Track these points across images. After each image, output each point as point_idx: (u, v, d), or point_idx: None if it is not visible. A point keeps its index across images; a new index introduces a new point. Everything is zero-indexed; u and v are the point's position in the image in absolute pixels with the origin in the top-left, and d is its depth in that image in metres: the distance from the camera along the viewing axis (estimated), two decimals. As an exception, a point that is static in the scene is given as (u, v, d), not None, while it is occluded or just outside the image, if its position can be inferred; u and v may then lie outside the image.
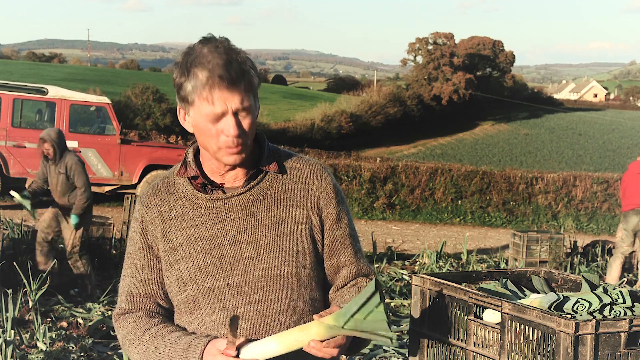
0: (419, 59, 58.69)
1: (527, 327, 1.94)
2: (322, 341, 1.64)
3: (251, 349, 1.65)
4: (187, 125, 1.84)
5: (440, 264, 9.45)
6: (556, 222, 17.00)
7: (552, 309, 2.06)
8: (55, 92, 13.40)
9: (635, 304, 2.11)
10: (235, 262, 1.80)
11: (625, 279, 8.82)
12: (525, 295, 2.30)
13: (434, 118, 51.93)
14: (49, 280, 6.50)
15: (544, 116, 61.69)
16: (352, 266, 1.92)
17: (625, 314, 2.06)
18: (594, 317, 2.05)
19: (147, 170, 13.41)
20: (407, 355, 3.68)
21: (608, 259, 9.39)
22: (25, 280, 6.14)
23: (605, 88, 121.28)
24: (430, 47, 57.96)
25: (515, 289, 2.32)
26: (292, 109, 45.51)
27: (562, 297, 2.12)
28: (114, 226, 8.52)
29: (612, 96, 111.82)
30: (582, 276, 2.30)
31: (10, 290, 5.90)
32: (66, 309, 6.35)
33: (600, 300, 2.09)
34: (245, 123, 1.76)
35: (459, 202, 17.22)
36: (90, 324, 5.88)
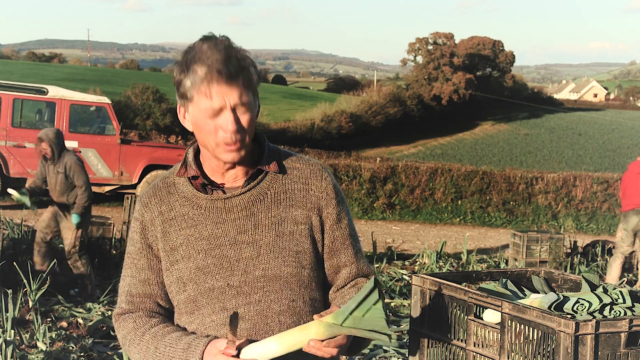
0: (419, 59, 58.70)
1: (527, 327, 1.94)
2: (322, 341, 1.64)
3: (251, 349, 1.65)
4: (187, 123, 1.84)
5: (440, 264, 9.45)
6: (556, 222, 17.00)
7: (552, 309, 2.06)
8: (55, 92, 13.40)
9: (635, 304, 2.11)
10: (236, 262, 1.79)
11: (625, 279, 8.82)
12: (525, 295, 2.30)
13: (434, 118, 51.93)
14: (48, 280, 6.50)
15: (544, 116, 61.69)
16: (352, 266, 1.92)
17: (625, 314, 2.06)
18: (594, 317, 2.05)
19: (147, 170, 13.42)
20: (407, 355, 3.68)
21: (608, 259, 9.39)
22: (25, 280, 6.15)
23: (605, 88, 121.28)
24: (430, 47, 57.96)
25: (515, 289, 2.32)
26: (292, 109, 45.51)
27: (562, 297, 2.12)
28: (114, 226, 8.52)
29: (612, 96, 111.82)
30: (582, 276, 2.30)
31: (10, 290, 5.90)
32: (66, 309, 6.35)
33: (600, 300, 2.09)
34: (244, 119, 1.76)
35: (459, 202, 17.22)
36: (90, 324, 5.88)
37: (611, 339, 1.87)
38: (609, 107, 79.87)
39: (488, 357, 2.05)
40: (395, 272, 8.86)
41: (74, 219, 6.76)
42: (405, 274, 8.72)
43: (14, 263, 6.57)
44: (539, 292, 2.36)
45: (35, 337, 5.39)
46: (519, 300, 2.16)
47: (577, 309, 2.08)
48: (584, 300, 2.09)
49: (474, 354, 2.09)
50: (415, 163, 19.57)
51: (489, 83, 61.78)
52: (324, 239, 1.89)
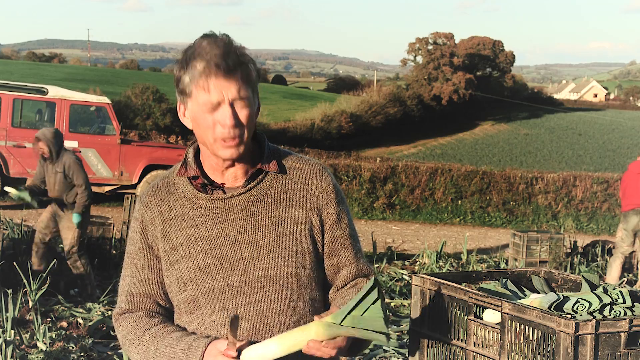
0: (419, 59, 58.70)
1: (527, 327, 1.94)
2: (321, 342, 1.64)
3: (251, 351, 1.65)
4: (187, 121, 1.84)
5: (440, 264, 9.45)
6: (556, 222, 17.00)
7: (552, 309, 2.06)
8: (55, 92, 13.40)
9: (635, 304, 2.11)
10: (236, 262, 1.79)
11: (625, 279, 8.82)
12: (525, 295, 2.30)
13: (434, 118, 51.93)
14: (49, 280, 6.50)
15: (544, 116, 61.69)
16: (352, 266, 1.92)
17: (625, 314, 2.06)
18: (594, 317, 2.05)
19: (147, 170, 13.41)
20: (407, 355, 3.68)
21: (608, 259, 9.39)
22: (25, 280, 6.15)
23: (605, 88, 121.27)
24: (430, 47, 57.96)
25: (515, 289, 2.32)
26: (292, 109, 45.52)
27: (562, 297, 2.12)
28: (114, 226, 8.52)
29: (612, 96, 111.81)
30: (582, 276, 2.30)
31: (10, 290, 5.90)
32: (66, 309, 6.35)
33: (600, 300, 2.09)
34: (243, 114, 1.75)
35: (459, 202, 17.22)
36: (90, 324, 5.88)
37: (611, 339, 1.87)
38: (609, 107, 79.87)
39: (488, 357, 2.05)
40: (395, 272, 8.86)
41: (75, 218, 6.76)
42: (405, 274, 8.72)
43: (14, 263, 6.57)
44: (539, 292, 2.36)
45: (35, 337, 5.39)
46: (519, 300, 2.16)
47: (577, 309, 2.08)
48: (584, 300, 2.09)
49: (474, 354, 2.09)
50: (415, 163, 19.57)
51: (489, 83, 61.78)
52: (324, 239, 1.89)
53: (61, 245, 7.43)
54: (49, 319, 5.94)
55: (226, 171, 1.84)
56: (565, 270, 9.08)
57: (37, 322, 5.52)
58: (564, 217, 17.27)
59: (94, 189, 9.70)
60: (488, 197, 17.37)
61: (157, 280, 1.86)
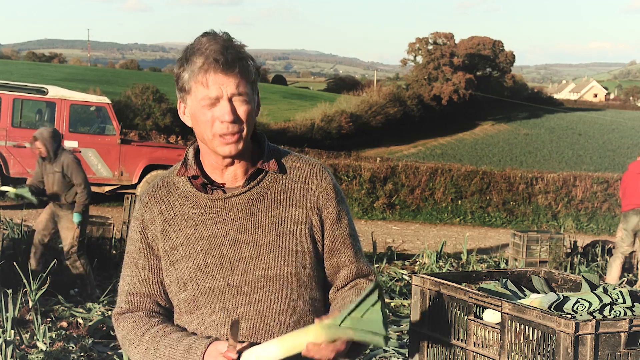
0: (419, 59, 58.70)
1: (527, 327, 1.93)
2: (321, 344, 1.64)
3: (252, 352, 1.65)
4: (186, 119, 1.84)
5: (440, 264, 9.45)
6: (556, 222, 17.00)
7: (552, 309, 2.06)
8: (55, 92, 13.40)
9: (635, 304, 2.11)
10: (236, 262, 1.79)
11: (625, 279, 8.82)
12: (525, 295, 2.30)
13: (434, 118, 51.93)
14: (49, 280, 6.50)
15: (544, 116, 61.69)
16: (352, 266, 1.92)
17: (625, 314, 2.06)
18: (594, 317, 2.05)
19: (147, 170, 13.41)
20: (407, 355, 3.68)
21: (608, 259, 9.38)
22: (25, 280, 6.14)
23: (605, 88, 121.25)
24: (430, 47, 57.96)
25: (515, 289, 2.32)
26: (292, 109, 45.52)
27: (562, 297, 2.12)
28: (114, 226, 8.52)
29: (612, 96, 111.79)
30: (582, 276, 2.30)
31: (10, 290, 5.90)
32: (66, 309, 6.35)
33: (600, 300, 2.09)
34: (241, 110, 1.76)
35: (459, 202, 17.21)
36: (90, 324, 5.87)
37: (611, 339, 1.87)
38: (609, 107, 79.86)
39: (488, 357, 2.05)
40: (395, 272, 8.86)
41: (76, 217, 6.75)
42: (405, 274, 8.72)
43: (14, 263, 6.57)
44: (539, 292, 2.36)
45: (35, 337, 5.39)
46: (519, 300, 2.16)
47: (577, 309, 2.07)
48: (584, 300, 2.09)
49: (474, 354, 2.09)
50: (415, 163, 19.57)
51: (489, 83, 61.78)
52: (324, 239, 1.89)
53: (61, 245, 7.43)
54: (49, 319, 5.94)
55: (226, 170, 1.84)
56: (565, 270, 9.08)
57: (37, 322, 5.52)
58: (564, 217, 17.27)
59: (94, 189, 9.70)
60: (488, 197, 17.37)
61: (157, 280, 1.86)
